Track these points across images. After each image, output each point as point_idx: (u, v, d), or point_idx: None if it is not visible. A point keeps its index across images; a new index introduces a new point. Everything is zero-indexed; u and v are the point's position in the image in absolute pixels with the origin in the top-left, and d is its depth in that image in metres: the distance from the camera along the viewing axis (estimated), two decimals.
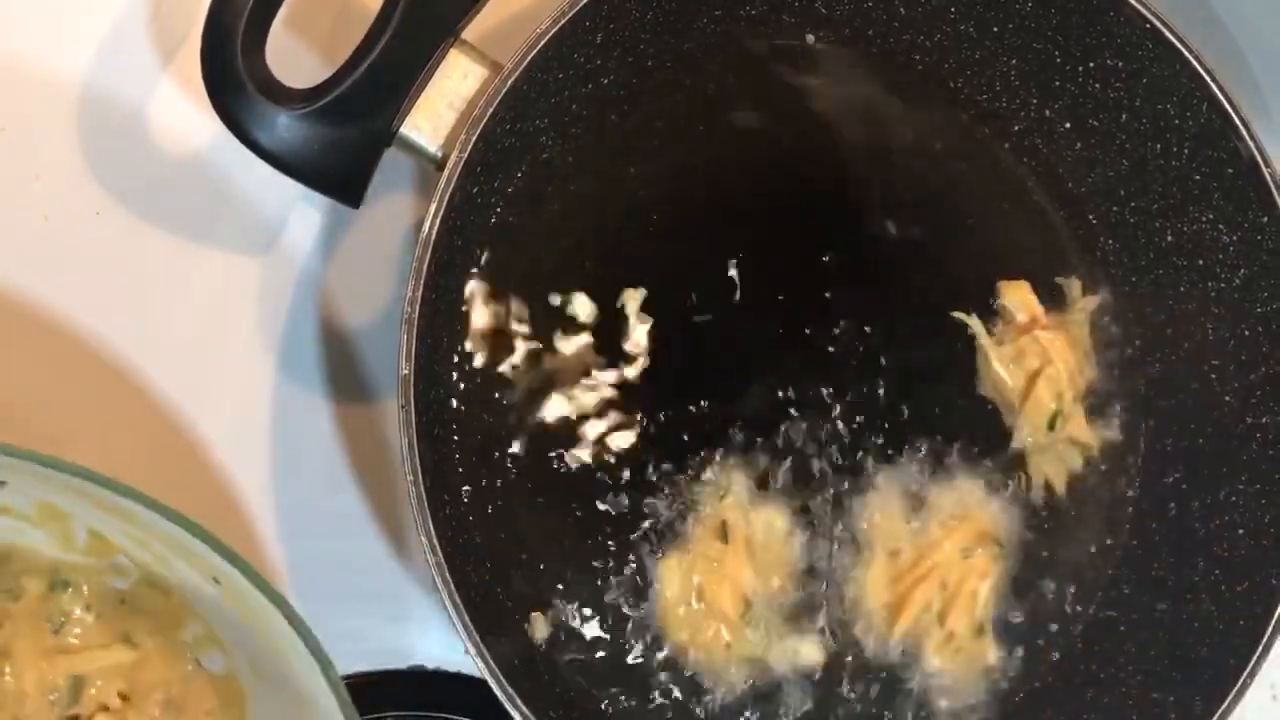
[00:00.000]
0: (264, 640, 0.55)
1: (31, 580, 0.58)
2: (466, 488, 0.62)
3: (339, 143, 0.57)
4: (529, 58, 0.57)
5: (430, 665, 0.65)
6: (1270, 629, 0.61)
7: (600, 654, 0.63)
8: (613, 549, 0.63)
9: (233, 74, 0.56)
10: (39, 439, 0.53)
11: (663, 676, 0.64)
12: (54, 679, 0.58)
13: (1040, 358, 0.66)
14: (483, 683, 0.57)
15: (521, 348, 0.63)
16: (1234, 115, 0.60)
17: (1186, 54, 0.60)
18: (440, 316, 0.60)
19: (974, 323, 0.66)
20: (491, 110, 0.57)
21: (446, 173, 0.57)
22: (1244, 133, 0.60)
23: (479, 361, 0.63)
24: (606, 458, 0.64)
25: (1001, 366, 0.66)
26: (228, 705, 0.59)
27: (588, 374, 0.64)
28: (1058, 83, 0.65)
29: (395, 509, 0.65)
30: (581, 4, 0.58)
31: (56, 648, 0.58)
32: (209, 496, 0.64)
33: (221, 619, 0.57)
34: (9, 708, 0.57)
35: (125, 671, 0.58)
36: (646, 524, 0.64)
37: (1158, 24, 0.60)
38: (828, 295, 0.65)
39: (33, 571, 0.58)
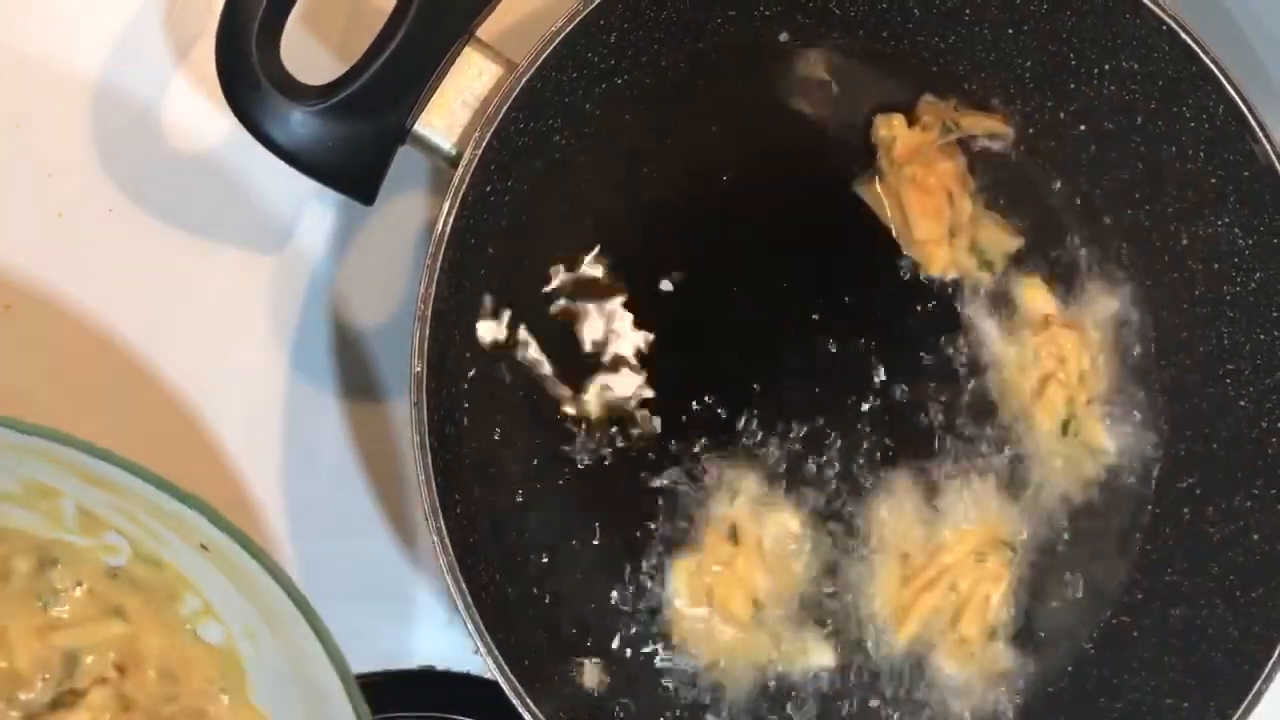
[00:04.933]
0: (253, 601, 0.54)
1: (21, 560, 0.57)
2: (478, 487, 0.62)
3: (353, 139, 0.57)
4: (543, 56, 0.57)
5: (439, 665, 0.65)
6: None
7: (611, 653, 0.63)
8: (623, 550, 0.63)
9: (247, 70, 0.56)
10: None
11: (673, 677, 0.63)
12: (47, 655, 0.57)
13: (1054, 359, 0.65)
14: (492, 683, 0.57)
15: (533, 348, 0.63)
16: (1251, 118, 0.60)
17: (1203, 56, 0.60)
18: (453, 314, 0.60)
19: (988, 323, 0.65)
20: (506, 108, 0.57)
21: (460, 171, 0.57)
22: (1261, 135, 0.60)
23: (491, 360, 0.63)
24: (617, 458, 0.63)
25: (1016, 368, 0.65)
26: (228, 673, 0.58)
27: (599, 375, 0.63)
28: (1072, 85, 0.65)
29: (406, 508, 0.65)
30: (596, 3, 0.58)
31: (48, 623, 0.57)
32: (220, 495, 0.63)
33: (217, 590, 0.56)
34: (2, 689, 0.57)
35: (120, 644, 0.58)
36: (657, 525, 0.63)
37: (1174, 26, 0.60)
38: (844, 297, 0.65)
39: (22, 551, 0.57)
